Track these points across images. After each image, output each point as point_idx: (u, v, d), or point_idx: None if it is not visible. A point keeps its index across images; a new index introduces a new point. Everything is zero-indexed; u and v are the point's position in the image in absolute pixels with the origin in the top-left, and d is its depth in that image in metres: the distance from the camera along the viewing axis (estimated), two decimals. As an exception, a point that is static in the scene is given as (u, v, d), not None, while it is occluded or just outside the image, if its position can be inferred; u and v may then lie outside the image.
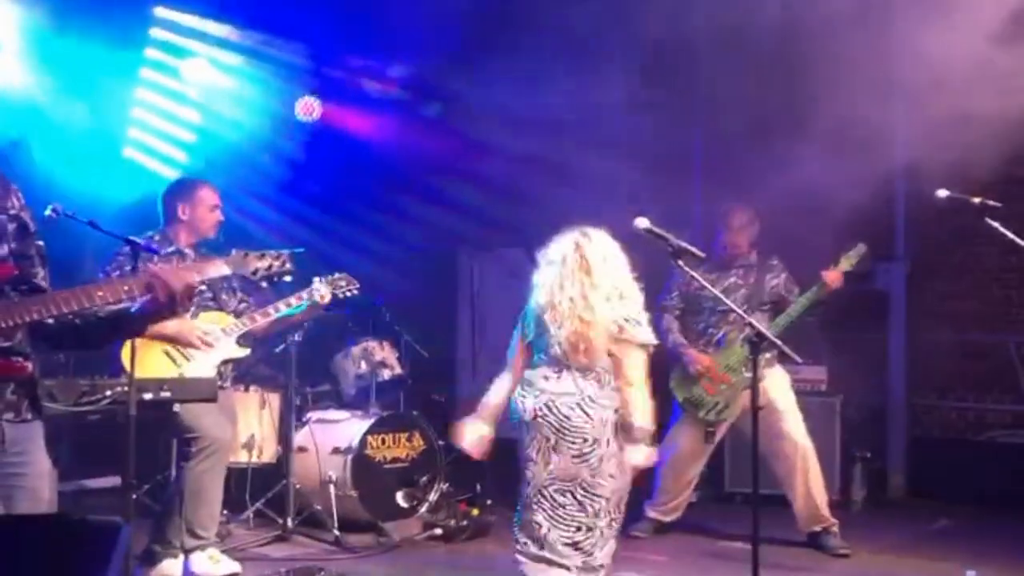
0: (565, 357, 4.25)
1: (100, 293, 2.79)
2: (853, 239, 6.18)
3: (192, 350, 5.18)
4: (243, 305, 5.59)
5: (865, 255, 6.07)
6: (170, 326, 4.95)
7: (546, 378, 4.29)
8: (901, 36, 6.44)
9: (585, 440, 4.16)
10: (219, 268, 3.12)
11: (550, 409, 4.20)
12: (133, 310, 2.90)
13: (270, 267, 3.23)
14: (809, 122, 7.09)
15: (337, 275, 5.66)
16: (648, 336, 4.31)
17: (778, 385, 6.07)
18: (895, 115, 7.71)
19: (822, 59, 6.24)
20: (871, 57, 6.32)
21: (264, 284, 3.30)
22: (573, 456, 4.18)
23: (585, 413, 4.16)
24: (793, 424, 6.00)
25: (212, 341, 5.19)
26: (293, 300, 5.46)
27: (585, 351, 4.21)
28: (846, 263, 6.01)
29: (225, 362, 5.36)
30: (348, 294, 5.69)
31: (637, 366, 4.27)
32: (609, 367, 4.25)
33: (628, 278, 4.37)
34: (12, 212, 2.89)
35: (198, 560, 5.16)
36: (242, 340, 5.38)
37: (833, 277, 5.95)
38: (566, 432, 4.17)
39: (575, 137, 7.95)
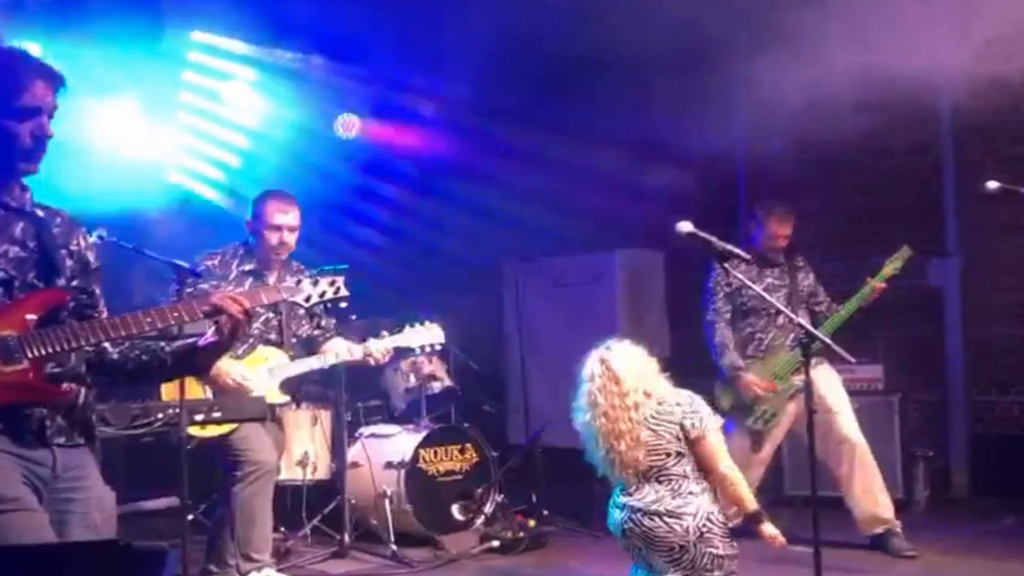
0: (623, 474, 4.27)
1: (148, 319, 2.82)
2: (902, 235, 6.07)
3: (229, 386, 5.04)
4: (317, 331, 5.45)
5: (910, 256, 5.94)
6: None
7: (629, 493, 4.32)
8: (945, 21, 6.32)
9: (672, 549, 4.20)
10: (273, 295, 3.12)
11: (634, 523, 4.24)
12: (200, 344, 2.93)
13: (323, 294, 3.21)
14: (854, 119, 7.02)
15: (426, 325, 5.50)
16: (713, 422, 4.33)
17: (828, 384, 5.95)
18: (941, 108, 7.61)
19: (863, 49, 6.16)
20: (916, 46, 6.20)
21: (318, 311, 3.26)
22: (666, 561, 4.23)
23: (666, 524, 4.17)
24: (845, 423, 5.88)
25: (248, 386, 5.03)
26: (358, 351, 5.33)
27: (634, 463, 4.24)
28: (890, 268, 5.88)
29: None
30: (426, 349, 5.59)
31: (722, 452, 4.33)
32: (682, 470, 4.26)
33: (654, 377, 4.39)
34: (73, 248, 2.94)
35: None
36: (285, 385, 5.23)
37: (877, 287, 5.84)
38: (653, 543, 4.22)
39: (617, 145, 7.91)
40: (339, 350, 5.34)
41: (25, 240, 2.81)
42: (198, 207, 8.01)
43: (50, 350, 2.69)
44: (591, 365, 4.41)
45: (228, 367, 5.00)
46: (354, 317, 5.37)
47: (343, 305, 3.31)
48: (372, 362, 5.43)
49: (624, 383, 4.30)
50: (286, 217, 5.24)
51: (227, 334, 2.90)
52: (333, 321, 5.52)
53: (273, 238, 5.22)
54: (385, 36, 7.63)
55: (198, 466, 5.09)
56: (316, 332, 5.48)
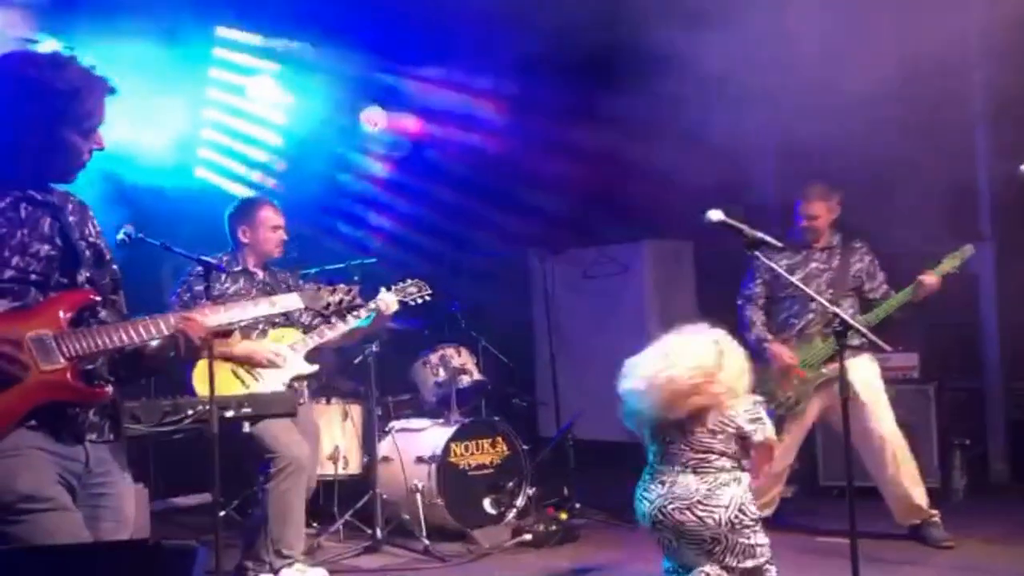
0: (681, 449, 4.25)
1: (173, 321, 2.86)
2: (936, 220, 5.98)
3: (261, 369, 5.23)
4: (317, 320, 5.59)
5: (971, 255, 5.82)
6: (239, 348, 5.09)
7: (662, 483, 4.27)
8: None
9: (704, 541, 4.17)
10: (292, 302, 3.24)
11: (664, 515, 4.20)
12: (146, 351, 2.91)
13: (341, 301, 3.39)
14: (885, 103, 6.90)
15: (408, 282, 5.63)
16: (771, 429, 4.31)
17: (862, 376, 5.83)
18: (974, 89, 7.49)
19: (894, 28, 6.06)
20: (947, 23, 6.09)
21: (334, 320, 3.39)
22: (697, 554, 4.20)
23: (698, 518, 4.13)
24: (878, 416, 5.77)
25: (281, 362, 5.24)
26: (362, 312, 5.45)
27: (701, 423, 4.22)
28: (948, 265, 5.75)
29: (295, 379, 5.36)
30: (420, 300, 5.66)
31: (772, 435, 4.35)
32: (721, 464, 4.24)
33: (716, 359, 4.29)
34: (90, 239, 2.95)
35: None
36: (311, 356, 5.40)
37: (932, 282, 5.71)
38: (684, 535, 4.19)
39: (643, 133, 7.83)
40: (355, 312, 5.45)
41: (53, 236, 2.82)
42: (223, 202, 8.01)
43: (86, 349, 2.71)
44: (664, 345, 4.32)
45: (258, 346, 5.20)
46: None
47: (359, 313, 3.44)
48: (383, 308, 5.48)
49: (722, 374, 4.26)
50: (280, 218, 5.55)
51: (182, 351, 2.88)
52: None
53: (274, 238, 5.50)
54: (411, 27, 7.59)
55: (228, 463, 5.10)
56: (316, 320, 5.60)
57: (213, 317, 2.97)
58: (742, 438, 4.23)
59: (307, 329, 5.52)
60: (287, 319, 5.46)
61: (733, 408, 4.23)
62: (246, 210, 5.56)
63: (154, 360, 2.93)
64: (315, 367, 5.42)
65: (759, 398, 4.38)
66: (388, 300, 5.47)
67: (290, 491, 5.13)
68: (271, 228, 5.50)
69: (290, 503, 5.14)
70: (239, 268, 5.44)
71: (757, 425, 4.23)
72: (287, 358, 5.28)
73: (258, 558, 5.17)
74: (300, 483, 5.19)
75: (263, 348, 5.21)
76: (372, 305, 5.43)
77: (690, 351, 4.21)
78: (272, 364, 5.21)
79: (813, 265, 6.02)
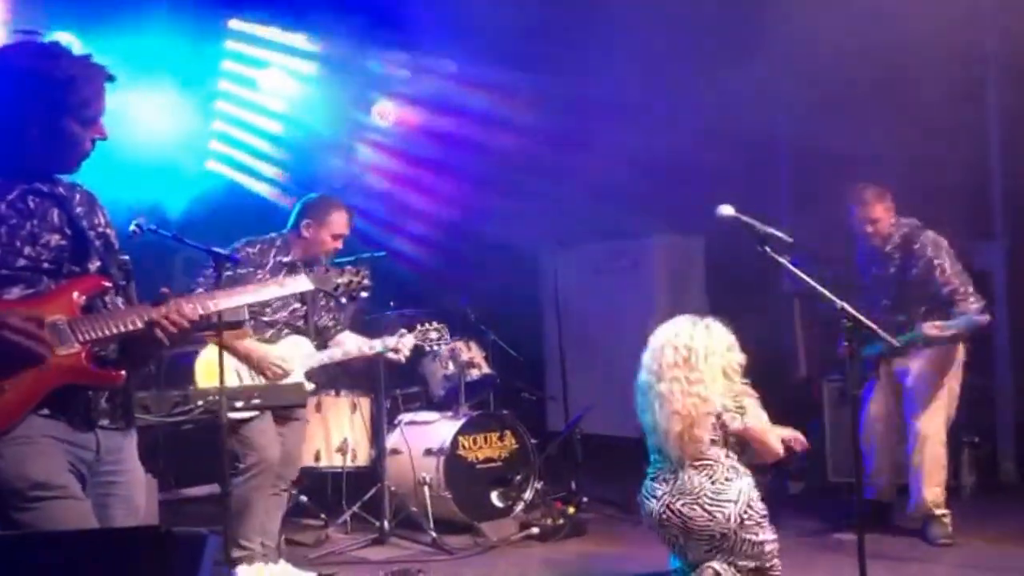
0: (671, 447, 4.29)
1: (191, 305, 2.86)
2: (949, 218, 5.94)
3: (257, 374, 5.17)
4: (332, 323, 5.61)
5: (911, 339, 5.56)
6: (243, 345, 5.07)
7: (665, 480, 4.33)
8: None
9: (712, 537, 4.20)
10: (303, 283, 3.24)
11: (672, 512, 4.24)
12: (129, 338, 2.87)
13: (350, 283, 3.43)
14: (899, 98, 6.89)
15: (434, 325, 5.81)
16: (751, 419, 4.33)
17: (918, 368, 5.77)
18: (988, 88, 7.46)
19: (908, 29, 6.04)
20: (959, 27, 6.07)
21: (344, 300, 3.42)
22: (706, 550, 4.23)
23: (707, 513, 4.15)
24: (921, 409, 5.76)
25: (282, 374, 5.16)
26: (378, 345, 5.59)
27: (690, 439, 4.26)
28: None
29: None
30: (435, 347, 5.92)
31: (755, 424, 4.34)
32: (716, 455, 4.28)
33: (728, 368, 4.38)
34: (100, 229, 2.97)
35: (244, 573, 5.07)
36: (311, 373, 5.34)
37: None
38: (692, 532, 4.22)
39: (655, 125, 7.83)
40: (372, 343, 5.60)
41: (62, 226, 2.84)
42: (235, 195, 8.04)
43: (99, 334, 2.73)
44: (669, 335, 4.40)
45: (266, 351, 5.14)
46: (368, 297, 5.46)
47: (365, 295, 3.49)
48: (403, 359, 5.71)
49: (695, 368, 4.28)
50: (347, 229, 5.48)
51: (165, 342, 2.84)
52: (343, 315, 5.82)
53: (331, 245, 5.41)
54: (423, 21, 7.59)
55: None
56: (330, 323, 5.62)
57: (223, 302, 2.97)
58: (723, 428, 4.26)
59: (323, 335, 5.52)
60: (306, 322, 5.41)
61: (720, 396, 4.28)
62: (320, 206, 5.42)
63: (135, 347, 2.89)
64: (312, 386, 5.35)
65: (745, 390, 4.38)
66: (406, 344, 5.66)
67: (254, 490, 5.06)
68: (333, 236, 5.38)
69: (255, 500, 5.07)
70: (287, 259, 5.29)
71: (729, 415, 4.28)
72: (291, 368, 5.20)
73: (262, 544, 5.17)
74: (265, 484, 5.10)
75: (271, 359, 5.14)
76: (391, 343, 5.60)
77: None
78: (274, 376, 5.14)
79: (875, 272, 5.91)
